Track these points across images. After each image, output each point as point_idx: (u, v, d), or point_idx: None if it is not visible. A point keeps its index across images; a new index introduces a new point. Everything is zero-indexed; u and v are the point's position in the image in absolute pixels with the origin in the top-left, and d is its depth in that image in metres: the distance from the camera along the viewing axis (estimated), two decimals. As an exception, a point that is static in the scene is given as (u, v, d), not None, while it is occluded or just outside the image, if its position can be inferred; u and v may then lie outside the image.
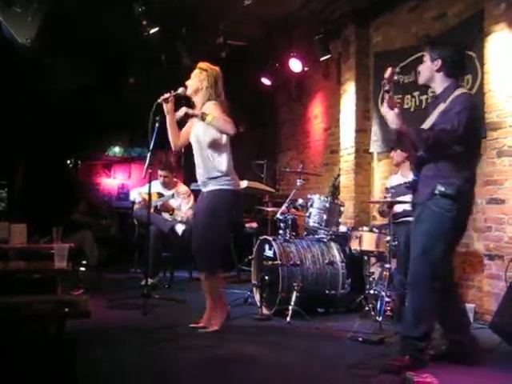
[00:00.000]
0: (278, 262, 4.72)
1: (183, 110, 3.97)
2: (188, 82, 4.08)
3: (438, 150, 3.24)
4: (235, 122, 4.00)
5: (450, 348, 3.48)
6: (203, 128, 3.97)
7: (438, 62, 3.37)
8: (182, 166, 8.72)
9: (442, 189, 3.22)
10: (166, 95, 4.00)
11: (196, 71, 4.09)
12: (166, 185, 6.49)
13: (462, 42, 3.42)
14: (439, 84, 3.41)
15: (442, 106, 3.35)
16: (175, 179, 6.68)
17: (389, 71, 3.32)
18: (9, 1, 4.93)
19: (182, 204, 6.41)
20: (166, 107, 4.02)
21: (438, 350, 3.49)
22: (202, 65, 4.11)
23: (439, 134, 3.21)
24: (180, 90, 4.01)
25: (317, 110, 8.30)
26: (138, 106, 8.33)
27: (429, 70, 3.42)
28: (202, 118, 3.87)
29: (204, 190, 4.05)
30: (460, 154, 3.23)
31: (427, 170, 3.35)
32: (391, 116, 3.25)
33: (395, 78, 3.36)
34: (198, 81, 4.05)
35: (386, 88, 3.32)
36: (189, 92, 4.05)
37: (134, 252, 6.89)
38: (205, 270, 4.01)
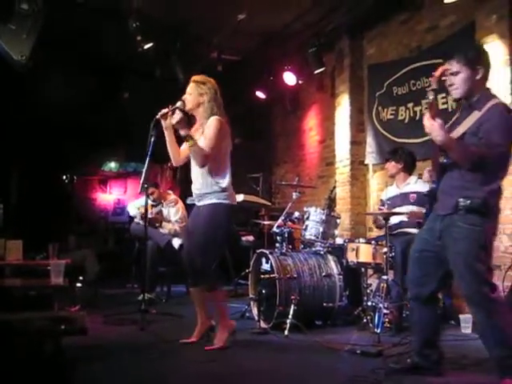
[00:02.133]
0: (276, 275, 4.72)
1: (179, 114, 3.91)
2: (186, 97, 4.01)
3: (479, 164, 3.03)
4: (231, 134, 4.03)
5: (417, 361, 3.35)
6: (202, 139, 3.95)
7: (481, 71, 3.14)
8: (178, 180, 8.75)
9: (468, 202, 3.05)
10: (164, 110, 3.94)
11: (192, 85, 4.03)
12: (157, 199, 6.50)
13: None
14: (476, 93, 3.16)
15: (476, 114, 3.11)
16: (169, 191, 6.70)
17: (440, 69, 3.07)
18: (3, 18, 4.96)
19: (170, 213, 6.42)
20: (165, 123, 3.95)
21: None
22: (198, 78, 4.07)
23: (484, 149, 3.00)
24: (178, 104, 3.94)
25: (312, 122, 8.34)
26: (133, 121, 8.42)
27: (469, 81, 3.14)
28: (186, 139, 3.85)
29: (200, 203, 4.03)
30: (489, 164, 3.03)
31: (451, 179, 3.17)
32: (436, 128, 3.02)
33: (443, 78, 3.10)
34: (197, 95, 4.00)
35: (434, 86, 3.08)
36: (189, 107, 3.99)
37: (131, 267, 6.89)
38: (206, 285, 3.98)
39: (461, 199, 3.07)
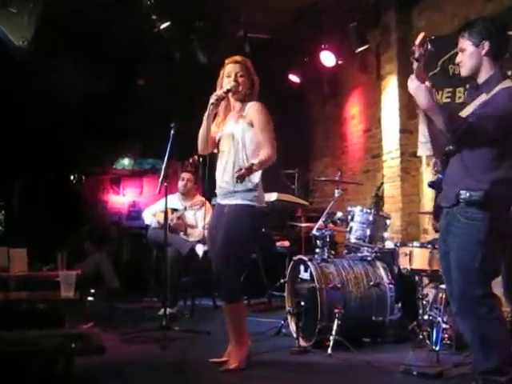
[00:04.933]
0: (316, 285, 4.71)
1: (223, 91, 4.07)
2: (235, 80, 4.10)
3: (468, 144, 3.12)
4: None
5: None
6: (242, 127, 4.06)
7: (485, 44, 3.22)
8: (201, 177, 8.78)
9: (467, 195, 3.13)
10: (221, 93, 4.07)
11: (238, 65, 4.14)
12: (186, 192, 6.56)
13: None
14: (484, 72, 3.26)
15: (483, 97, 3.23)
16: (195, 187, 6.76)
17: (421, 36, 3.16)
18: (3, 1, 5.06)
19: (197, 218, 6.46)
20: (213, 108, 4.08)
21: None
22: (242, 59, 4.20)
23: (474, 128, 3.08)
24: (231, 86, 4.08)
25: (354, 109, 8.29)
26: (150, 111, 8.49)
27: (475, 57, 3.25)
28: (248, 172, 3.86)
29: (225, 202, 4.08)
30: (495, 150, 3.12)
31: (454, 168, 3.27)
32: (421, 91, 3.09)
33: (429, 46, 3.16)
34: (249, 76, 4.16)
35: (416, 55, 3.14)
36: (243, 90, 4.13)
37: (150, 278, 6.94)
38: (225, 295, 4.06)
39: (462, 191, 3.14)
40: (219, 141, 4.19)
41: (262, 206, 4.09)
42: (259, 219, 4.12)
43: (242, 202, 4.00)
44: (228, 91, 4.08)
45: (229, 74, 4.14)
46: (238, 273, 4.11)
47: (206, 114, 4.07)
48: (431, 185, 3.44)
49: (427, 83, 3.11)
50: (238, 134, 4.07)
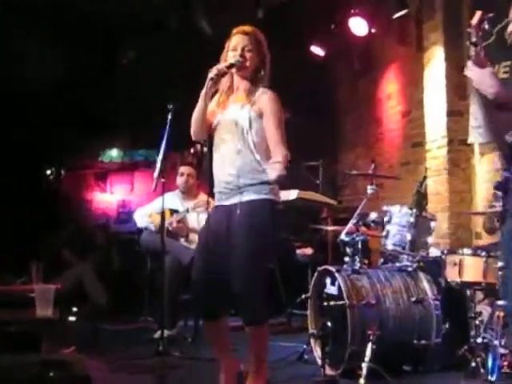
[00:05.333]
0: (346, 301, 4.72)
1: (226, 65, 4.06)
2: (241, 55, 4.10)
3: None
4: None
5: None
6: (250, 116, 4.04)
7: None
8: (204, 172, 8.79)
9: None
10: (221, 66, 4.06)
11: (248, 38, 4.13)
12: (186, 190, 6.61)
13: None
14: None
15: None
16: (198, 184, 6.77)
17: (477, 15, 3.18)
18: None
19: (201, 221, 6.47)
20: (211, 84, 4.07)
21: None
22: (252, 30, 4.18)
23: None
24: (235, 60, 4.07)
25: (391, 87, 8.29)
26: (142, 92, 8.50)
27: None
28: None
29: (232, 201, 4.05)
30: None
31: None
32: (486, 77, 3.11)
33: (486, 26, 3.20)
34: (260, 53, 4.15)
35: (473, 39, 3.18)
36: (251, 66, 4.12)
37: (144, 293, 6.97)
38: (250, 318, 3.99)
39: None
40: (216, 126, 4.17)
41: (279, 201, 4.11)
42: (279, 216, 4.11)
43: (258, 196, 3.98)
44: (231, 66, 4.07)
45: (234, 47, 4.13)
46: (266, 287, 4.04)
47: (203, 91, 4.05)
48: (498, 187, 3.41)
49: (489, 68, 3.12)
50: (243, 122, 4.05)
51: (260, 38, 4.17)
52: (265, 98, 4.07)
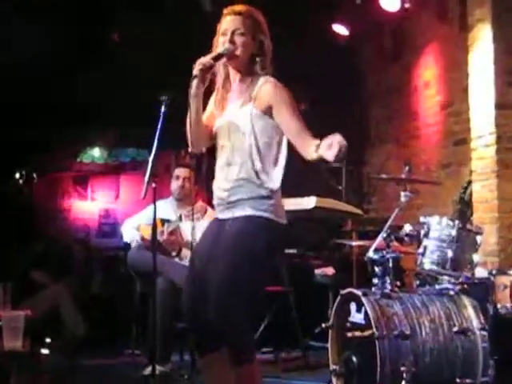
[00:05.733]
0: (374, 331, 4.73)
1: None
2: (230, 40, 4.04)
3: None
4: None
5: None
6: (251, 114, 4.02)
7: None
8: (204, 176, 8.83)
9: None
10: (207, 60, 4.00)
11: (240, 19, 4.08)
12: (182, 196, 6.66)
13: None
14: None
15: None
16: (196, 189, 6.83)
17: None
18: None
19: (198, 232, 6.50)
20: (197, 83, 4.03)
21: None
22: (245, 9, 4.13)
23: None
24: (224, 50, 4.02)
25: (428, 73, 8.32)
26: (129, 80, 8.51)
27: None
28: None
29: (226, 216, 4.10)
30: None
31: None
32: None
33: None
34: (254, 36, 4.08)
35: None
36: (241, 55, 4.06)
37: (131, 322, 6.99)
38: (231, 354, 3.97)
39: None
40: (216, 132, 4.19)
41: (280, 222, 4.06)
42: (277, 236, 4.08)
43: (252, 212, 3.98)
44: (218, 57, 4.02)
45: (224, 31, 4.08)
46: (249, 318, 3.98)
47: (192, 92, 4.03)
48: None
49: None
50: (243, 124, 4.04)
51: (256, 18, 4.12)
52: (267, 88, 4.03)
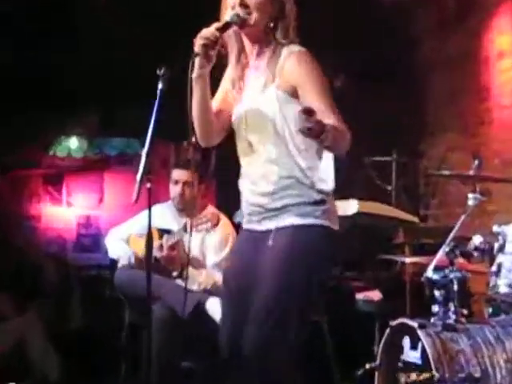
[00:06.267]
0: (435, 374, 4.76)
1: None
2: (240, 4, 4.02)
3: None
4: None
5: None
6: (277, 98, 4.04)
7: None
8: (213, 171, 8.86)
9: None
10: (209, 31, 3.94)
11: None
12: (183, 206, 6.70)
13: None
14: None
15: None
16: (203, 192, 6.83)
17: None
18: None
19: (207, 246, 6.51)
20: (201, 62, 4.02)
21: None
22: None
23: None
24: (232, 16, 3.98)
25: (502, 41, 8.32)
26: (113, 56, 8.52)
27: None
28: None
29: (266, 226, 4.13)
30: None
31: None
32: None
33: None
34: (273, 1, 4.07)
35: None
36: (254, 19, 4.03)
37: (120, 361, 7.04)
38: None
39: None
40: (235, 122, 4.23)
41: (334, 228, 4.11)
42: (333, 249, 4.14)
43: (303, 220, 4.01)
44: (226, 26, 4.00)
45: None
46: (293, 351, 4.02)
47: (194, 74, 4.03)
48: None
49: None
50: (270, 111, 4.06)
51: None
52: (292, 62, 4.02)
